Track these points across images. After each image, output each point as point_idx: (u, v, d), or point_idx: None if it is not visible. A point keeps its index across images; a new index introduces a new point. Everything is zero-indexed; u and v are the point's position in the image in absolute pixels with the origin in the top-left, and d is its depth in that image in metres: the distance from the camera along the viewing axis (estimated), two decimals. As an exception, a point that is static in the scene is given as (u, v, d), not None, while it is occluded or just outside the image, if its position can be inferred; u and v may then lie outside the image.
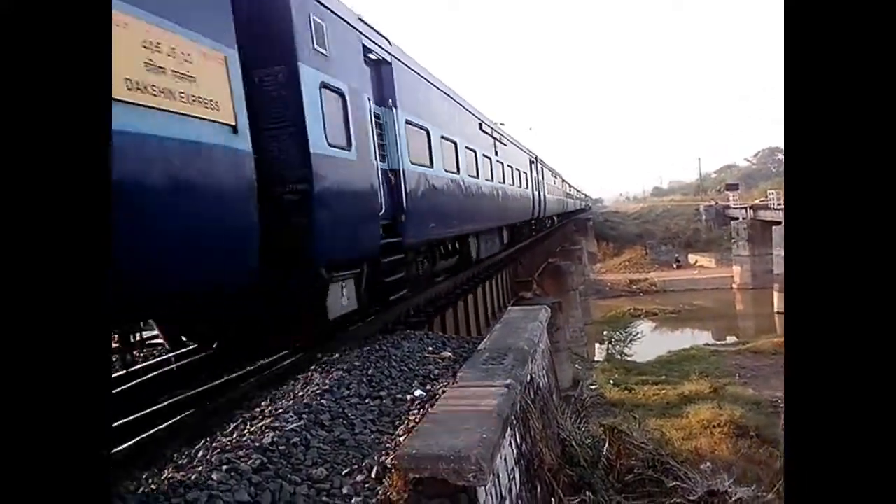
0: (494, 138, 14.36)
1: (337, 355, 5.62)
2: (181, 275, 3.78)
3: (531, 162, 21.16)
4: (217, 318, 5.31)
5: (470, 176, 11.36)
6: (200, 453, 3.54)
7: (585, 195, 73.35)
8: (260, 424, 3.90)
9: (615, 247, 61.17)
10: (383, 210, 6.84)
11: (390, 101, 7.48)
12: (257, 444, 3.60)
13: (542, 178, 24.37)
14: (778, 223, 38.59)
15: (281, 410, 4.18)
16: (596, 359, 29.57)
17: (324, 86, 5.53)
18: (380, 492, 3.16)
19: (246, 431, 3.82)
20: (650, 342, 32.68)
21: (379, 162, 6.82)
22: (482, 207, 12.33)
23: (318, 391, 4.61)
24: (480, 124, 13.09)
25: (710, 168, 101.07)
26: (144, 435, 3.85)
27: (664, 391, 20.33)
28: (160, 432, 3.93)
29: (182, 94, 3.66)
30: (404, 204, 7.47)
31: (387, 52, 7.54)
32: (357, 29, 6.66)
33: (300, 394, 4.55)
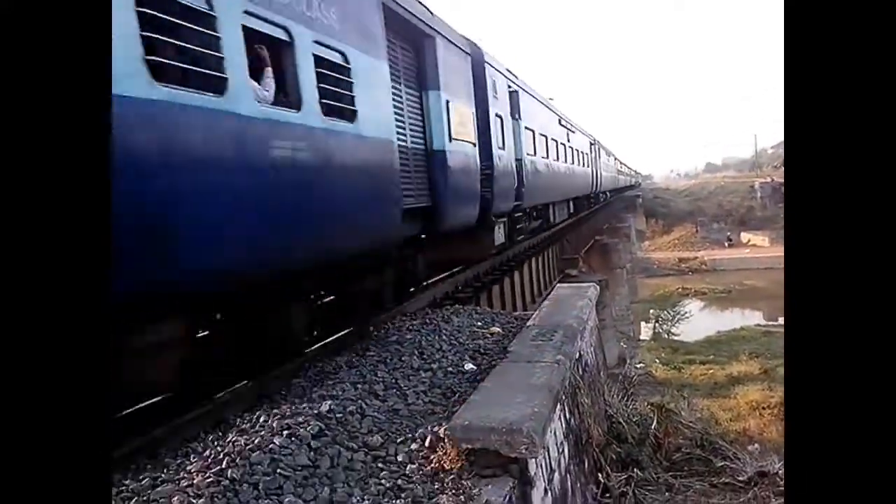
0: (567, 128, 18.12)
1: (389, 327, 5.75)
2: (463, 216, 7.68)
3: (591, 144, 24.59)
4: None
5: (553, 160, 15.22)
6: (262, 419, 3.70)
7: (636, 171, 74.12)
8: (318, 392, 4.05)
9: (664, 224, 59.82)
10: (516, 184, 10.72)
11: (517, 115, 11.52)
12: (315, 412, 3.74)
13: (599, 157, 27.86)
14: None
15: (337, 380, 4.33)
16: (642, 337, 29.20)
17: (496, 115, 9.62)
18: (433, 460, 3.26)
19: (305, 399, 3.97)
20: (699, 322, 32.04)
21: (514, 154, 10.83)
22: (559, 183, 16.29)
23: (371, 362, 4.75)
24: (559, 119, 17.12)
25: (766, 143, 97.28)
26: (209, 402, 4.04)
27: (712, 371, 19.99)
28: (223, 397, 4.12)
29: (464, 132, 7.71)
30: (524, 180, 11.33)
31: (517, 84, 11.79)
32: (505, 76, 10.87)
33: (355, 364, 4.69)
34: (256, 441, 3.34)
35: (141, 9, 2.84)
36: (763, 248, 51.06)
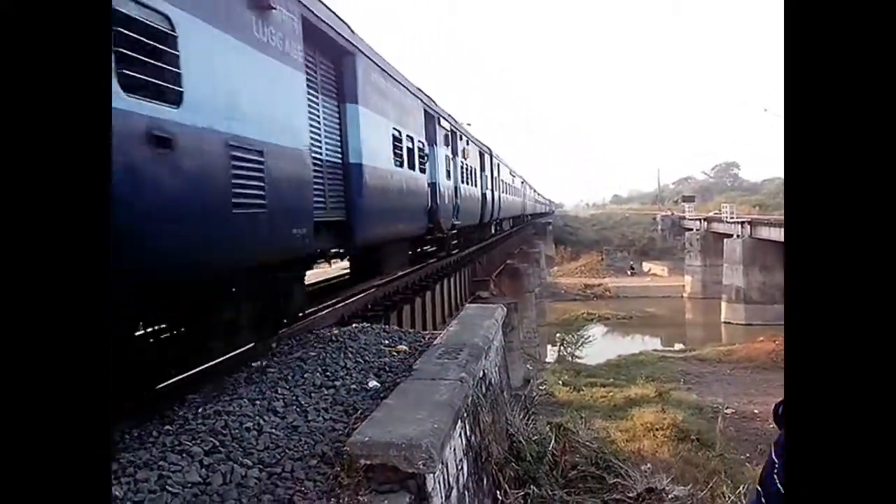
0: (512, 175, 31.16)
1: (293, 343, 5.65)
2: (486, 218, 20.34)
3: (522, 182, 38.30)
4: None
5: (507, 194, 27.19)
6: (153, 435, 3.55)
7: (549, 200, 78.45)
8: (213, 408, 3.92)
9: (573, 251, 62.09)
10: (499, 206, 22.66)
11: (497, 174, 22.92)
12: (209, 428, 3.63)
13: (526, 191, 42.41)
14: (729, 236, 39.86)
15: (234, 396, 4.21)
16: (547, 360, 30.07)
17: (493, 176, 21.50)
18: (331, 476, 3.24)
19: (199, 414, 3.84)
20: (601, 346, 33.37)
21: (492, 192, 20.74)
22: (509, 207, 28.46)
23: (272, 379, 4.65)
24: (511, 171, 30.40)
25: (668, 179, 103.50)
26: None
27: (612, 394, 20.84)
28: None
29: (484, 185, 19.43)
30: (500, 205, 23.08)
31: (499, 159, 23.87)
32: (495, 155, 22.48)
33: (255, 380, 4.58)
34: (144, 458, 3.21)
35: None
36: (662, 277, 53.97)
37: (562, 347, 31.27)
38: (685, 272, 49.10)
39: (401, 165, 8.72)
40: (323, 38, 6.30)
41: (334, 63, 6.84)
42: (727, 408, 18.17)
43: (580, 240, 64.04)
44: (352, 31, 7.16)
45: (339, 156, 6.72)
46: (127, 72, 3.18)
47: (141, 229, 3.27)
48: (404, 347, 5.91)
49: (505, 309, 8.36)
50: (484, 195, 18.77)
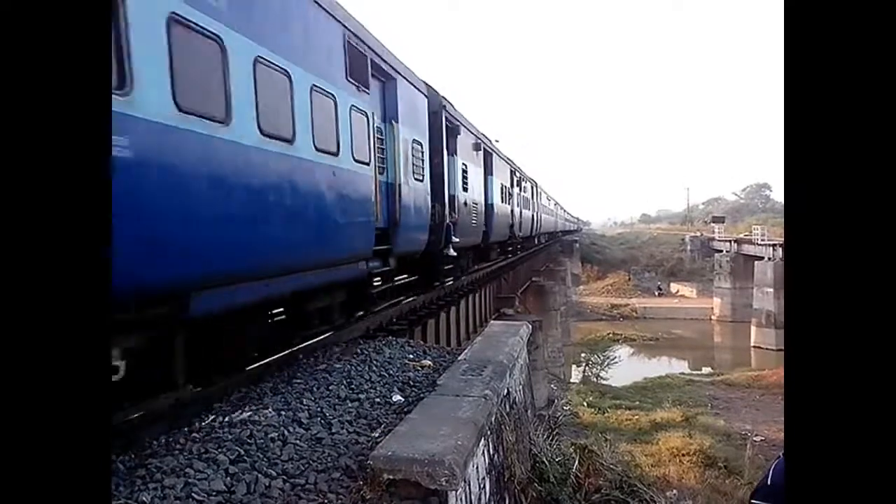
0: (549, 199, 39.13)
1: (319, 355, 5.69)
2: (535, 232, 30.72)
3: (555, 204, 46.00)
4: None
5: (545, 214, 33.94)
6: (180, 442, 3.59)
7: (577, 219, 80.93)
8: (239, 417, 3.96)
9: (599, 270, 61.50)
10: (540, 222, 31.64)
11: (540, 199, 31.77)
12: (235, 437, 3.66)
13: (558, 211, 49.60)
14: (760, 258, 39.14)
15: (260, 406, 4.25)
16: (572, 380, 29.70)
17: (537, 202, 29.91)
18: (354, 489, 3.23)
19: (225, 423, 3.88)
20: (627, 367, 32.89)
21: (538, 213, 29.77)
22: (545, 223, 34.72)
23: (298, 390, 4.68)
24: (548, 196, 39.31)
25: (698, 199, 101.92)
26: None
27: (637, 417, 20.47)
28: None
29: (537, 210, 29.26)
30: (540, 222, 31.34)
31: (541, 188, 32.79)
32: (538, 184, 31.04)
33: (281, 391, 4.61)
34: (171, 465, 3.24)
35: None
36: (691, 298, 53.06)
37: (587, 368, 30.89)
38: (714, 294, 48.24)
39: (502, 201, 17.36)
40: (486, 150, 14.67)
41: (485, 158, 14.87)
42: (756, 435, 17.68)
43: (607, 258, 63.43)
44: (490, 141, 15.86)
45: (484, 199, 14.55)
46: (463, 185, 11.95)
47: (460, 233, 11.09)
48: (428, 362, 5.90)
49: (530, 326, 8.32)
50: (533, 216, 26.70)
